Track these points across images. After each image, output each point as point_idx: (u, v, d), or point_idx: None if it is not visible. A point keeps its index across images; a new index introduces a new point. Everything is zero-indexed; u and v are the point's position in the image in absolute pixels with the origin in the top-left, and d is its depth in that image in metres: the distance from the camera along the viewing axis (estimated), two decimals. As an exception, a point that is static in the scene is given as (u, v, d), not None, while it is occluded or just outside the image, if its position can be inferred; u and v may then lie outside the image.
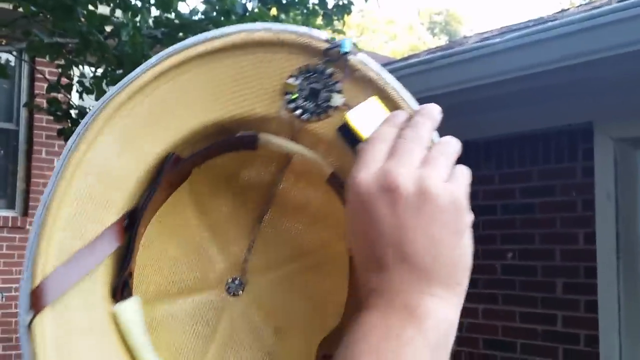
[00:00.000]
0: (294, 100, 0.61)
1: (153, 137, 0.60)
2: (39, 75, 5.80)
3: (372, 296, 0.49)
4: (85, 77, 4.89)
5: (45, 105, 4.90)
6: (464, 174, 0.53)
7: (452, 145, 0.54)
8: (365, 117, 0.58)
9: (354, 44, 0.61)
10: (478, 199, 3.45)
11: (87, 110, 4.80)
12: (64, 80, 4.78)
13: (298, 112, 0.61)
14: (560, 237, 3.13)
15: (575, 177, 3.11)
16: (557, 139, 3.17)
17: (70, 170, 0.56)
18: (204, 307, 0.68)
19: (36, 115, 5.98)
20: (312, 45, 0.59)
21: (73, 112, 4.85)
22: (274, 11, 4.73)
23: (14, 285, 5.60)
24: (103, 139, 0.57)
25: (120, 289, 0.60)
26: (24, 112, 6.16)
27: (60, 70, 4.68)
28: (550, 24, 2.84)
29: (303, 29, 0.60)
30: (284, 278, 0.70)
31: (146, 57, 4.20)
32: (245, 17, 4.41)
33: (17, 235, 5.96)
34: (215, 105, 0.61)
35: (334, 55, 0.59)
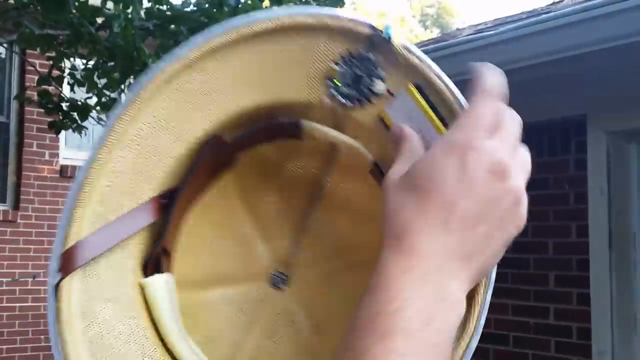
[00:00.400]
0: (336, 87, 0.60)
1: (197, 116, 0.59)
2: (30, 68, 5.76)
3: (409, 252, 0.47)
4: (77, 70, 4.85)
5: (36, 97, 4.86)
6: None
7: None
8: (401, 111, 0.57)
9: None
10: (471, 192, 3.45)
11: (79, 102, 4.77)
12: (55, 73, 4.74)
13: (340, 98, 0.60)
14: (553, 229, 3.14)
15: (568, 170, 3.12)
16: (550, 131, 3.17)
17: (111, 142, 0.56)
18: (246, 297, 0.69)
19: (27, 108, 5.93)
20: (356, 30, 0.58)
21: (64, 105, 4.81)
22: (266, 3, 4.71)
23: (4, 280, 5.58)
24: (146, 114, 0.58)
25: (153, 264, 0.61)
26: (14, 105, 6.12)
27: (51, 62, 4.64)
28: (544, 16, 2.83)
29: (346, 13, 0.59)
30: (328, 274, 0.69)
31: (138, 49, 4.17)
32: (238, 9, 4.38)
33: (8, 229, 5.92)
34: (260, 88, 0.60)
35: (378, 41, 0.58)
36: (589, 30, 2.60)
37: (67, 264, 0.55)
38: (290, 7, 0.60)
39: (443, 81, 0.58)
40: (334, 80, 0.59)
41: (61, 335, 0.54)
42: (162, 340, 0.60)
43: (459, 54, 3.11)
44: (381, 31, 0.58)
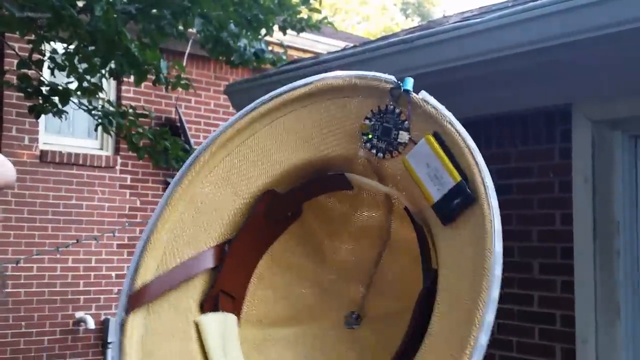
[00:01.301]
0: (369, 140, 0.67)
1: (251, 174, 0.69)
2: (9, 51, 5.67)
3: None
4: (57, 54, 4.78)
5: (15, 81, 4.79)
6: None
7: None
8: (420, 157, 0.63)
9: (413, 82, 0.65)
10: (455, 180, 3.44)
11: (59, 87, 4.70)
12: (35, 56, 4.67)
13: (374, 151, 0.68)
14: (537, 218, 3.13)
15: (553, 159, 3.11)
16: (536, 120, 3.16)
17: (175, 200, 0.67)
18: (320, 336, 0.75)
19: (6, 92, 5.85)
20: (380, 86, 0.65)
21: (44, 89, 4.75)
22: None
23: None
24: (204, 175, 0.68)
25: (209, 304, 0.70)
26: (-6, 89, 6.02)
27: (31, 45, 4.56)
28: (530, 4, 2.81)
29: (371, 73, 0.66)
30: (396, 313, 0.74)
31: (120, 33, 4.11)
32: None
33: (-13, 214, 5.85)
34: (306, 146, 0.69)
35: (399, 94, 0.65)
36: (576, 19, 2.58)
37: (132, 304, 0.64)
38: (321, 74, 0.67)
39: (455, 128, 0.64)
40: (367, 134, 0.66)
41: None
42: None
43: (445, 41, 3.08)
44: (400, 85, 0.64)
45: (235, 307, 0.70)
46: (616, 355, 2.89)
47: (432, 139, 0.61)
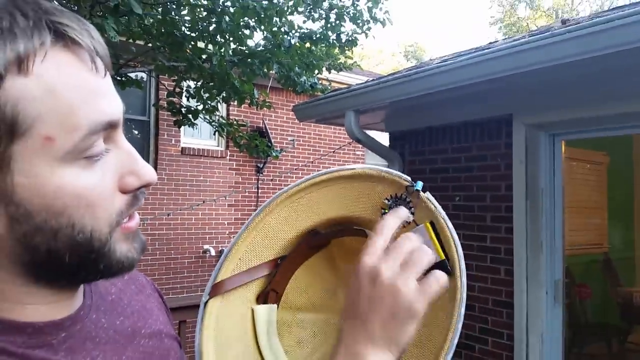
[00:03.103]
0: (385, 213, 0.63)
1: (303, 218, 0.68)
2: (162, 86, 5.81)
3: (340, 345, 0.49)
4: (190, 87, 4.89)
5: (165, 105, 4.91)
6: (433, 284, 0.50)
7: (425, 259, 0.51)
8: (420, 236, 0.60)
9: (424, 185, 0.61)
10: (437, 163, 3.41)
11: (192, 108, 4.80)
12: (177, 90, 4.78)
13: None
14: (489, 187, 3.10)
15: (500, 149, 3.06)
16: (489, 124, 3.11)
17: (252, 227, 0.66)
18: (325, 322, 0.75)
19: (160, 112, 6.00)
20: (400, 181, 0.61)
21: (183, 110, 4.86)
22: (308, 45, 4.65)
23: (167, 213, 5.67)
24: (274, 213, 0.67)
25: (262, 298, 0.69)
26: (153, 110, 6.19)
27: (175, 82, 4.68)
28: (485, 50, 2.75)
29: (395, 172, 0.62)
30: None
31: (228, 74, 4.17)
32: (290, 48, 4.34)
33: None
34: (343, 207, 0.67)
35: (412, 190, 0.60)
36: (514, 60, 2.52)
37: (214, 291, 0.63)
38: (362, 165, 0.64)
39: (446, 223, 0.59)
40: (385, 209, 0.62)
41: (201, 332, 0.62)
42: (257, 344, 0.68)
43: (430, 75, 3.04)
44: (414, 185, 0.60)
45: (277, 300, 0.71)
46: (541, 273, 2.86)
47: (429, 226, 0.57)
